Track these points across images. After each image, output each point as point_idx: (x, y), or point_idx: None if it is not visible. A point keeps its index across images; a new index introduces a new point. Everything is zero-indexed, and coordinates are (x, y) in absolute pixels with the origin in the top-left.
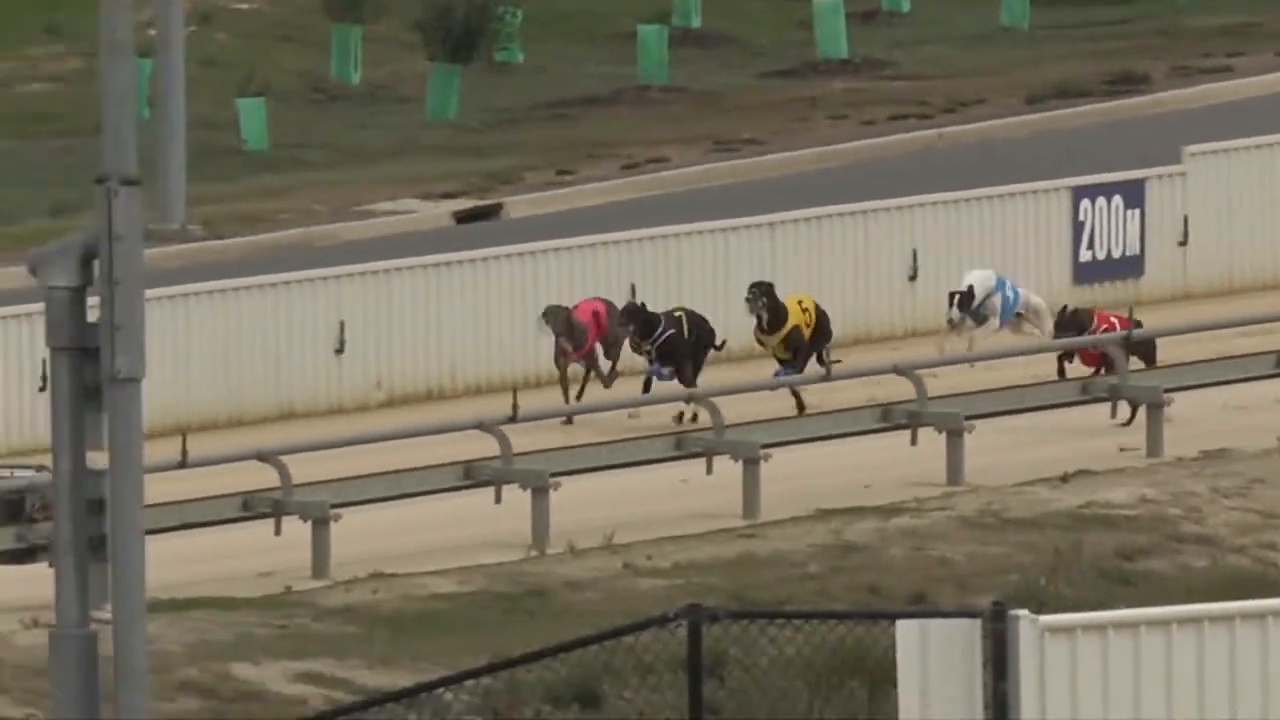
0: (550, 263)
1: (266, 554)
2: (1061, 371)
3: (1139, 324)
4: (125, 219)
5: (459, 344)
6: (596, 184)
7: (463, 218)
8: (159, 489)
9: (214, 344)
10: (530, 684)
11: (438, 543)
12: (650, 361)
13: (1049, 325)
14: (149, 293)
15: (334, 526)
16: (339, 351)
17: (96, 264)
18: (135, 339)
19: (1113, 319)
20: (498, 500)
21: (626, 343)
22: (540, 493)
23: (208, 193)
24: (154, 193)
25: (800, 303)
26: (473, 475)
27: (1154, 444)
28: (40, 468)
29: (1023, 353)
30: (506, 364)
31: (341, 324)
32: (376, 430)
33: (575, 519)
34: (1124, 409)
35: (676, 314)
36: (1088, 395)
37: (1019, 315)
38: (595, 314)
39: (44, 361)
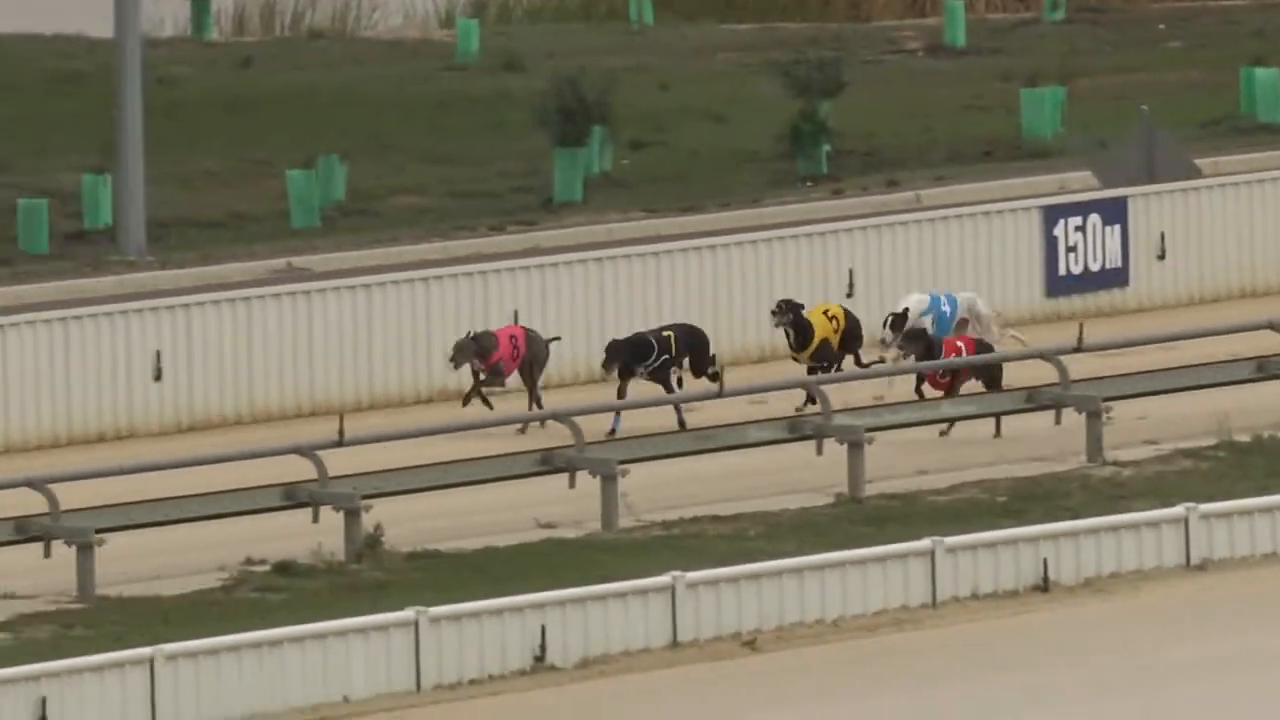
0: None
1: None
2: (919, 392)
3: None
4: None
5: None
6: None
7: None
8: None
9: None
10: None
11: None
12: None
13: (994, 332)
14: None
15: None
16: None
17: None
18: None
19: (959, 343)
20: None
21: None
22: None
23: None
24: None
25: (826, 312)
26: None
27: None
28: None
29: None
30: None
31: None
32: None
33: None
34: None
35: (665, 334)
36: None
37: (963, 321)
38: (512, 338)
39: None
